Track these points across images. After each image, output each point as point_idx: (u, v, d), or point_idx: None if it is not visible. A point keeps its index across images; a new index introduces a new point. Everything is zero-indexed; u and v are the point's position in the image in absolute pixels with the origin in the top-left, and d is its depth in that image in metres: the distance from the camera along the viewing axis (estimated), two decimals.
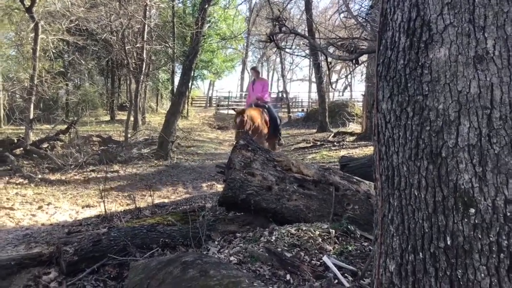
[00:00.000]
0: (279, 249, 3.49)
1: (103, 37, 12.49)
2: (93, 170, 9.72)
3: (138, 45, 13.27)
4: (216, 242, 4.19)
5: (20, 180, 8.63)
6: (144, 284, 3.49)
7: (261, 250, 3.53)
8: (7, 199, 7.31)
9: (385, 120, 1.80)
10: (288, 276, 3.07)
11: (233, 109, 9.58)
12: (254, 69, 10.18)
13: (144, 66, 13.31)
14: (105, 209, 5.94)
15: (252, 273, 3.18)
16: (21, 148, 10.47)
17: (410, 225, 1.71)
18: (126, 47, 12.55)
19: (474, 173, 1.59)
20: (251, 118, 8.42)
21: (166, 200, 7.36)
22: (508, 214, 1.56)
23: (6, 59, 12.39)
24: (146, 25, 12.81)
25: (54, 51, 12.63)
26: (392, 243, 1.78)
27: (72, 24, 12.75)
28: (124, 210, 6.50)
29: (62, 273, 3.81)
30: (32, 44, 11.56)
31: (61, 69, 13.27)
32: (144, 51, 12.96)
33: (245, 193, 4.46)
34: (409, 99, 1.70)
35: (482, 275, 1.59)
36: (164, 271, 3.59)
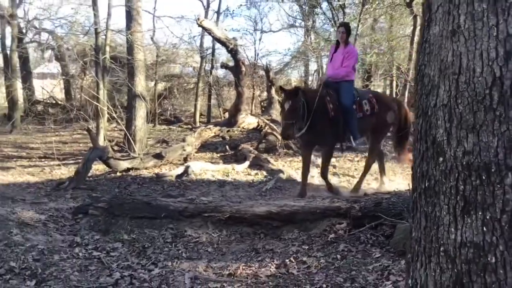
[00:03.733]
0: None
1: None
2: None
3: None
4: None
5: None
6: (401, 243, 4.56)
7: None
8: (355, 169, 9.27)
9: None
10: None
11: (280, 87, 6.31)
12: (343, 26, 6.55)
13: None
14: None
15: None
16: None
17: (415, 170, 2.25)
18: None
19: (444, 128, 2.04)
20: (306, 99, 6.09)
21: None
22: (464, 163, 1.96)
23: (393, 51, 14.60)
24: None
25: None
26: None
27: None
28: None
29: (350, 225, 5.12)
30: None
31: None
32: None
33: None
34: (419, 68, 2.22)
35: (444, 212, 2.03)
36: None
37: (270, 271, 4.33)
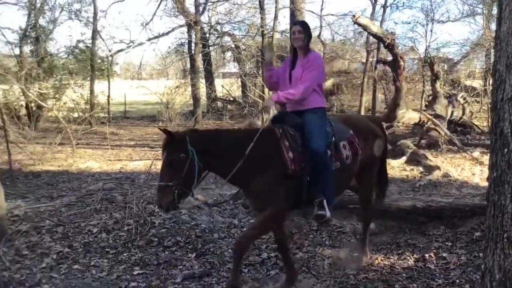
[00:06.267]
0: None
1: None
2: None
3: None
4: None
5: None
6: None
7: None
8: (462, 169, 8.82)
9: None
10: None
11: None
12: (298, 25, 4.16)
13: None
14: None
15: None
16: None
17: (489, 161, 2.38)
18: None
19: (509, 120, 2.17)
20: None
21: None
22: None
23: None
24: None
25: None
26: None
27: None
28: None
29: None
30: None
31: None
32: None
33: None
34: (493, 64, 2.35)
35: (508, 201, 2.17)
36: None
37: (408, 264, 4.51)
